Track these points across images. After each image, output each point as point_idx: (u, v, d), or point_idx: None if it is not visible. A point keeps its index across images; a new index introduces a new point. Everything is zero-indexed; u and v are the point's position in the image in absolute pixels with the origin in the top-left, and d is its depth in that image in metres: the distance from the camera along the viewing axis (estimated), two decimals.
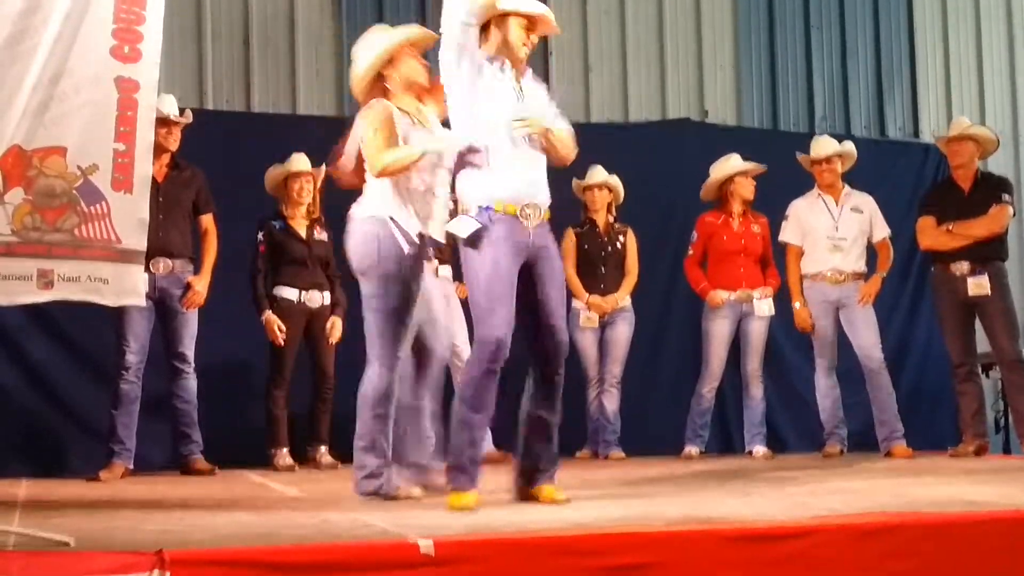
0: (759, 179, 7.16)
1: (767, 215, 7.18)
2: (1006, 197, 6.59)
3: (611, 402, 7.12)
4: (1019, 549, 3.28)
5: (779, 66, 8.87)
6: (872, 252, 7.05)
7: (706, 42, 8.75)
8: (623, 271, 7.18)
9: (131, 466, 6.00)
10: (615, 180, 7.21)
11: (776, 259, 7.17)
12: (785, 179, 7.24)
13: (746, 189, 7.05)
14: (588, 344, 7.15)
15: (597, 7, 8.55)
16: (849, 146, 7.15)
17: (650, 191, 7.69)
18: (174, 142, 6.19)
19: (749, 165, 7.07)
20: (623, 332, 7.13)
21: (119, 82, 4.53)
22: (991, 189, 6.64)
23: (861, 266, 6.95)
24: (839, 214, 6.96)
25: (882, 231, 6.99)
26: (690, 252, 7.19)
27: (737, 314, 7.04)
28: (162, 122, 6.01)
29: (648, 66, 8.61)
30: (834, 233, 6.93)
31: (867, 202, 7.03)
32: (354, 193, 6.76)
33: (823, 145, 7.09)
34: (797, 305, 6.95)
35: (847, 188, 7.04)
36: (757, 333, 7.05)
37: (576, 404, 7.23)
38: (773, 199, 7.17)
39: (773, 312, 7.07)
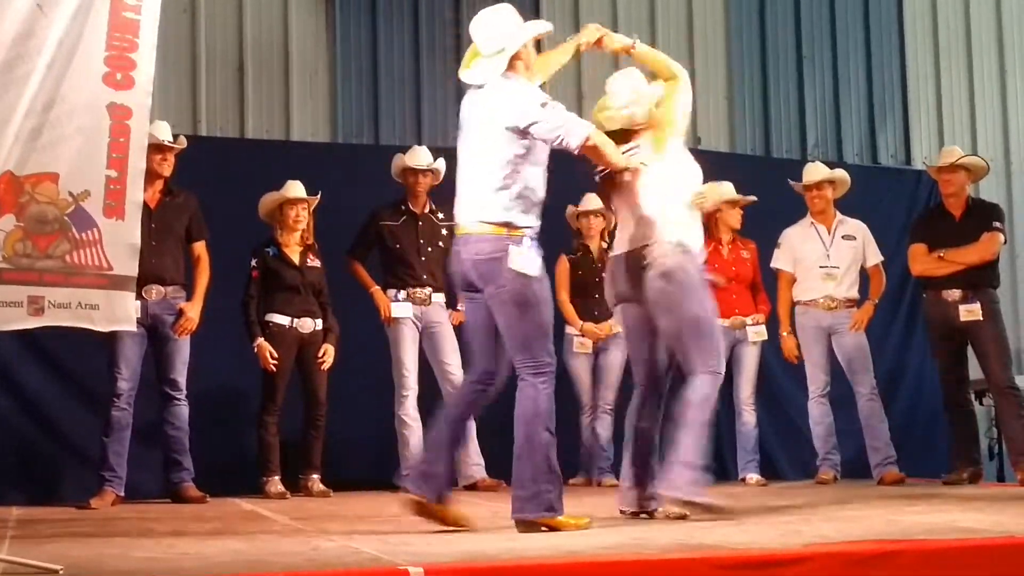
0: (752, 206, 7.17)
1: (759, 242, 7.19)
2: (997, 224, 6.61)
3: (604, 428, 7.10)
4: None
5: (772, 94, 8.92)
6: (865, 278, 7.06)
7: (699, 70, 8.78)
8: None
9: (122, 493, 5.97)
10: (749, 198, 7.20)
11: (766, 284, 7.17)
12: (777, 206, 7.26)
13: (733, 219, 7.07)
14: (581, 370, 7.14)
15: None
16: (841, 173, 7.18)
17: None
18: (168, 168, 6.20)
19: (735, 196, 7.08)
20: (616, 358, 7.11)
21: (111, 109, 4.54)
22: (982, 216, 6.66)
23: (854, 293, 6.96)
24: (831, 241, 6.98)
25: (875, 257, 7.01)
26: None
27: (730, 341, 7.03)
28: (156, 148, 6.04)
29: None
30: (826, 261, 6.94)
31: (859, 228, 7.05)
32: (347, 224, 6.82)
33: (815, 171, 7.11)
34: (784, 334, 6.96)
35: (839, 215, 7.06)
36: (750, 359, 7.05)
37: (569, 430, 7.23)
38: (765, 226, 7.19)
39: (765, 337, 7.07)
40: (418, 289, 6.74)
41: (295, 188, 6.58)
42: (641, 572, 3.03)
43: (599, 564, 3.07)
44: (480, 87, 4.72)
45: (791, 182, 7.16)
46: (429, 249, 6.81)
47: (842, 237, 6.99)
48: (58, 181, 4.39)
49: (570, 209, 7.24)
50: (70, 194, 4.40)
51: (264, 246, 6.59)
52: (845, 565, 3.16)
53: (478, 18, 4.73)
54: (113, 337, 5.63)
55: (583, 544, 3.51)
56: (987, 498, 5.24)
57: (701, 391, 4.55)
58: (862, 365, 6.85)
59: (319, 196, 6.62)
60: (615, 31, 8.44)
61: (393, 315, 6.68)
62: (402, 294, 6.73)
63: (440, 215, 6.89)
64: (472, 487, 6.57)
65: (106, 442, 5.97)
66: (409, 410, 6.66)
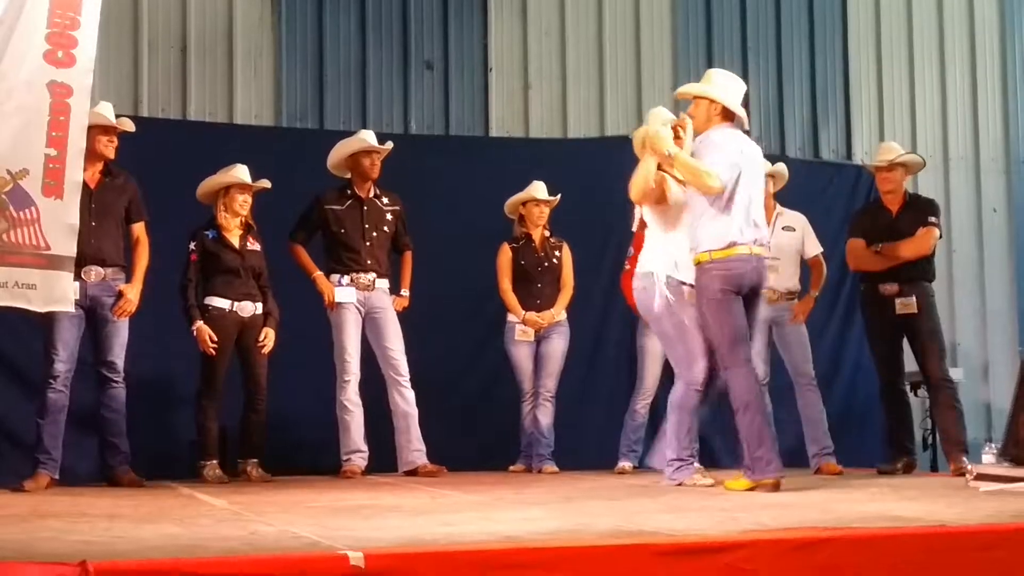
0: None
1: None
2: (933, 219, 6.71)
3: (545, 416, 7.13)
4: (943, 564, 3.33)
5: None
6: (805, 269, 7.14)
7: (645, 62, 8.83)
8: (559, 286, 7.21)
9: (57, 477, 5.89)
10: (555, 198, 7.23)
11: None
12: None
13: None
14: (523, 358, 7.16)
15: (538, 26, 8.60)
16: (781, 167, 7.24)
17: (588, 207, 7.73)
18: (113, 150, 6.12)
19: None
20: (558, 346, 7.15)
21: (52, 87, 4.49)
22: (919, 211, 6.76)
23: (794, 284, 7.03)
24: (771, 233, 7.04)
25: (815, 248, 7.09)
26: (627, 267, 7.21)
27: None
28: (103, 129, 5.97)
29: (587, 85, 8.68)
30: (767, 252, 6.99)
31: (799, 220, 7.11)
32: (288, 208, 6.78)
33: None
34: None
35: (779, 207, 7.13)
36: None
37: (510, 418, 7.26)
38: None
39: None
40: (362, 274, 6.71)
41: (245, 172, 6.52)
42: (578, 558, 3.04)
43: (536, 550, 3.08)
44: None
45: None
46: (374, 234, 6.78)
47: (782, 228, 7.05)
48: None
49: (514, 197, 7.24)
50: (8, 172, 4.35)
51: (203, 228, 6.52)
52: (781, 551, 3.20)
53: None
54: (50, 318, 5.55)
55: (521, 529, 3.52)
56: (920, 487, 5.32)
57: (674, 396, 5.56)
58: (801, 356, 6.93)
59: (269, 184, 6.57)
60: (563, 27, 8.59)
61: (337, 300, 6.65)
62: (346, 279, 6.70)
63: (384, 200, 6.87)
64: (413, 472, 6.57)
65: (41, 424, 5.88)
66: (351, 395, 6.64)
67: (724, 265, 5.31)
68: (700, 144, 5.47)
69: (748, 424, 5.26)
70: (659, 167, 5.54)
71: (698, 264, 5.36)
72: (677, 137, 5.49)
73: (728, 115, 5.49)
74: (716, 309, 5.31)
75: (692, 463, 5.61)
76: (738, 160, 5.37)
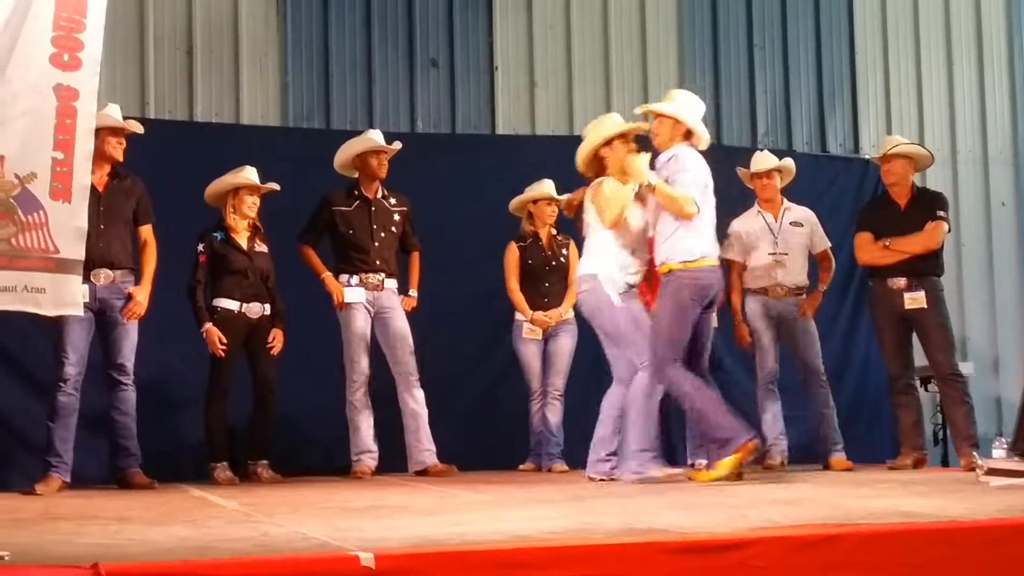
0: None
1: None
2: (941, 213, 6.69)
3: (554, 414, 7.13)
4: (954, 560, 3.32)
5: (723, 83, 8.97)
6: (814, 264, 7.13)
7: (651, 58, 8.83)
8: (566, 284, 7.21)
9: (68, 480, 5.90)
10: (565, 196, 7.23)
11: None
12: (728, 193, 7.26)
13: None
14: (531, 356, 7.16)
15: (543, 22, 8.60)
16: (788, 162, 7.23)
17: None
18: (121, 152, 6.14)
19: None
20: (566, 344, 7.14)
21: (58, 90, 4.48)
22: (927, 205, 6.74)
23: (803, 280, 7.02)
24: (779, 229, 7.04)
25: (823, 243, 7.08)
26: None
27: None
28: (112, 131, 6.00)
29: (593, 81, 8.67)
30: (775, 248, 7.00)
31: (807, 216, 7.11)
32: (296, 209, 6.78)
33: (763, 160, 7.16)
34: (737, 321, 7.02)
35: (786, 202, 7.12)
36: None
37: (519, 417, 7.26)
38: (717, 213, 7.21)
39: (716, 325, 7.11)
40: (371, 275, 6.72)
41: (253, 174, 6.53)
42: (588, 556, 3.04)
43: (546, 549, 3.08)
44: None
45: (739, 170, 7.20)
46: (382, 235, 6.79)
47: (790, 224, 7.05)
48: (3, 163, 4.34)
49: (521, 196, 7.23)
50: (16, 176, 4.34)
51: (211, 230, 6.54)
52: (790, 549, 3.19)
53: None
54: (60, 321, 5.57)
55: (531, 529, 3.52)
56: (931, 483, 5.31)
57: (635, 387, 5.67)
58: (811, 352, 6.92)
59: (278, 187, 6.58)
60: (568, 24, 8.58)
61: (346, 300, 6.65)
62: (355, 279, 6.71)
63: (392, 200, 6.87)
64: (423, 472, 6.58)
65: (52, 427, 5.90)
66: (360, 396, 6.65)
67: (696, 275, 5.65)
68: (671, 163, 5.69)
69: (706, 408, 5.59)
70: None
71: (669, 272, 5.65)
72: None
73: (688, 135, 5.79)
74: (679, 315, 5.63)
75: (655, 455, 5.72)
76: (707, 180, 5.74)
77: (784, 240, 7.01)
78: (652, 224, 5.80)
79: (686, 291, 5.65)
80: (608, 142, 5.85)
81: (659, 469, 5.62)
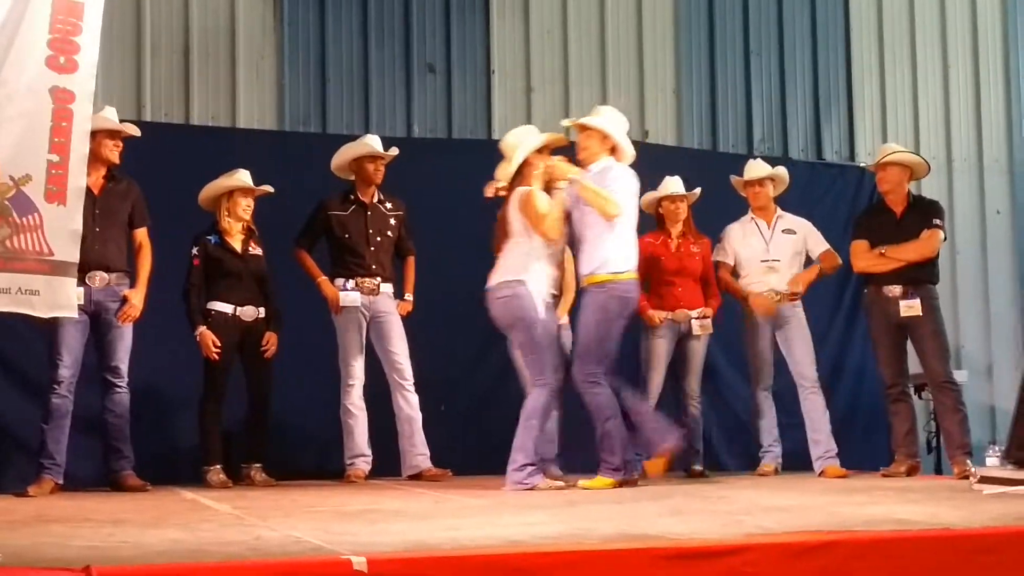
0: (698, 201, 7.22)
1: (706, 235, 7.23)
2: (937, 221, 6.69)
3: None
4: (947, 568, 3.33)
5: (719, 89, 8.98)
6: (807, 265, 7.13)
7: (647, 64, 8.84)
8: (561, 290, 7.18)
9: (61, 482, 5.90)
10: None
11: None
12: (724, 200, 7.32)
13: (673, 213, 7.11)
14: None
15: (540, 27, 8.60)
16: (781, 170, 7.23)
17: None
18: (117, 154, 6.14)
19: (677, 191, 7.12)
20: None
21: (54, 92, 4.49)
22: (923, 213, 6.74)
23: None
24: (771, 236, 7.05)
25: (821, 245, 7.06)
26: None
27: (675, 334, 7.08)
28: (109, 134, 6.00)
29: (590, 87, 8.68)
30: (767, 255, 7.00)
31: (801, 224, 7.11)
32: (292, 212, 6.77)
33: (755, 168, 7.17)
34: (750, 297, 6.97)
35: (779, 211, 7.12)
36: (695, 353, 7.09)
37: (514, 422, 7.24)
38: (712, 220, 7.24)
39: (711, 331, 7.12)
40: (367, 279, 6.71)
41: (247, 177, 6.53)
42: (582, 562, 3.04)
43: (540, 554, 3.08)
44: None
45: (732, 178, 7.21)
46: (378, 239, 6.79)
47: (782, 231, 7.06)
48: None
49: None
50: (11, 178, 4.35)
51: (205, 233, 6.53)
52: (784, 555, 3.19)
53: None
54: (54, 323, 5.56)
55: (525, 534, 3.52)
56: (924, 490, 5.31)
57: (532, 403, 5.75)
58: (805, 357, 6.92)
59: (272, 189, 6.58)
60: (565, 28, 8.59)
61: (341, 304, 6.65)
62: (350, 283, 6.70)
63: (388, 205, 6.87)
64: (417, 476, 6.57)
65: (45, 429, 5.89)
66: (355, 399, 6.64)
67: (626, 288, 5.80)
68: (602, 175, 5.80)
69: (615, 430, 5.73)
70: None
71: (600, 283, 5.73)
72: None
73: (613, 150, 5.90)
74: (611, 327, 5.77)
75: (540, 467, 5.81)
76: (637, 192, 5.91)
77: (776, 247, 7.02)
78: (577, 235, 5.85)
79: (615, 303, 5.75)
80: (539, 150, 5.91)
81: (544, 481, 5.67)
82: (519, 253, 5.82)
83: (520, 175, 5.88)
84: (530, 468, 5.66)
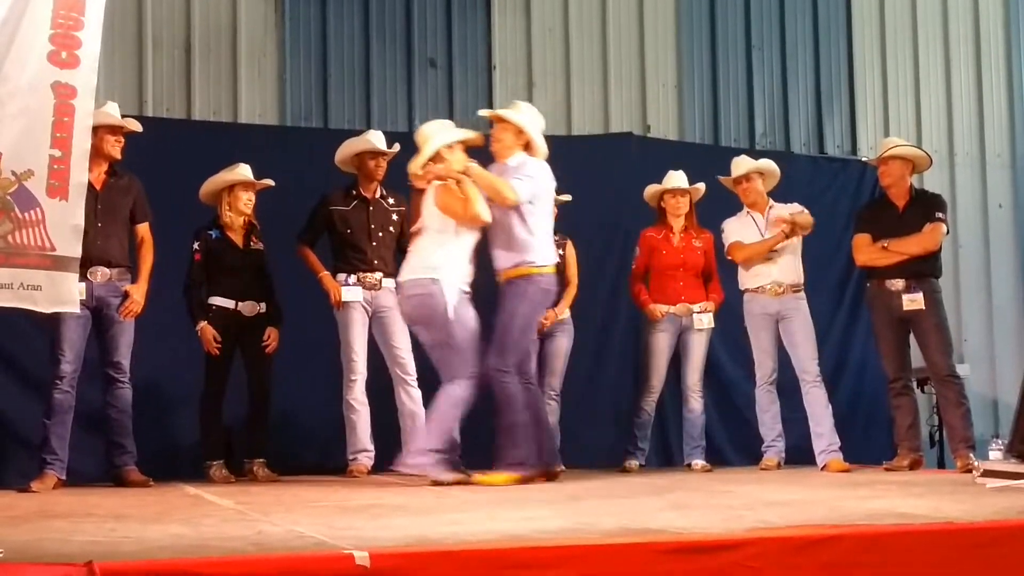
0: (701, 195, 7.22)
1: (708, 228, 7.23)
2: (940, 215, 6.68)
3: (550, 414, 7.10)
4: (950, 562, 3.33)
5: (721, 84, 8.98)
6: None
7: (649, 59, 8.83)
8: (563, 283, 7.19)
9: (64, 477, 5.90)
10: (563, 197, 7.22)
11: (721, 274, 7.21)
12: (725, 194, 7.31)
13: (675, 208, 7.10)
14: None
15: (541, 24, 8.60)
16: (767, 163, 7.20)
17: (592, 204, 7.72)
18: (119, 150, 6.13)
19: (678, 185, 7.11)
20: (562, 344, 7.13)
21: (56, 87, 4.48)
22: (925, 207, 6.73)
23: (798, 276, 7.00)
24: (766, 227, 7.03)
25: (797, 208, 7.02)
26: (633, 267, 7.24)
27: (677, 328, 7.08)
28: (110, 129, 6.00)
29: (591, 82, 8.68)
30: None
31: (792, 209, 7.06)
32: (293, 208, 6.76)
33: (740, 164, 7.15)
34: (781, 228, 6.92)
35: (772, 202, 7.10)
36: (697, 346, 7.10)
37: None
38: (714, 213, 7.23)
39: (712, 325, 7.12)
40: (369, 274, 6.71)
41: (248, 171, 6.53)
42: (584, 557, 3.04)
43: (542, 549, 3.08)
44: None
45: (719, 178, 7.18)
46: (380, 234, 6.79)
47: (775, 221, 7.04)
48: (0, 160, 4.34)
49: None
50: (13, 173, 4.34)
51: (206, 228, 6.53)
52: (787, 549, 3.19)
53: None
54: (56, 319, 5.57)
55: (527, 528, 3.52)
56: (927, 484, 5.31)
57: (455, 394, 5.61)
58: (808, 351, 6.91)
59: (272, 182, 6.58)
60: (566, 24, 8.59)
61: (343, 299, 6.65)
62: (352, 278, 6.70)
63: (390, 200, 6.86)
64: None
65: (48, 425, 5.90)
66: (357, 395, 6.64)
67: (549, 281, 5.82)
68: (516, 168, 5.78)
69: (520, 423, 5.68)
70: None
71: (526, 275, 5.71)
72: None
73: (527, 146, 5.87)
74: (533, 320, 5.84)
75: (448, 458, 5.68)
76: (549, 192, 5.90)
77: (773, 232, 7.00)
78: (496, 230, 5.77)
79: (540, 296, 5.78)
80: (451, 145, 5.82)
81: (449, 473, 5.59)
82: (432, 248, 5.73)
83: (432, 173, 5.77)
84: (440, 456, 5.58)
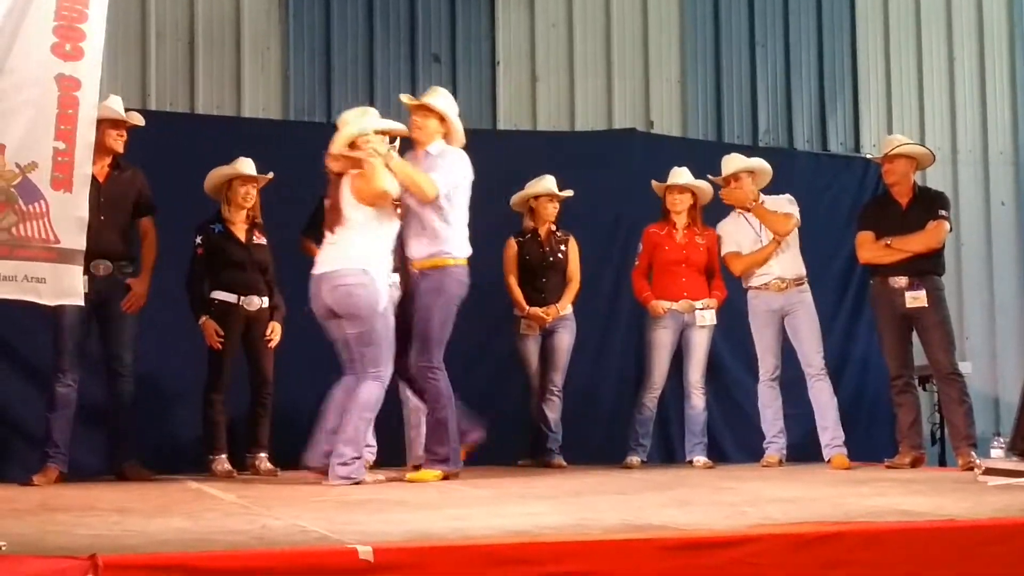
0: (704, 193, 7.21)
1: (712, 225, 7.22)
2: (943, 213, 6.68)
3: (552, 410, 7.12)
4: (952, 559, 3.33)
5: (724, 80, 8.96)
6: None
7: (652, 55, 8.82)
8: (565, 280, 7.20)
9: (66, 471, 5.90)
10: (566, 193, 7.22)
11: (724, 271, 7.20)
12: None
13: (674, 204, 7.10)
14: (529, 352, 7.15)
15: (545, 19, 8.59)
16: (761, 163, 7.17)
17: (595, 199, 7.72)
18: (122, 144, 6.13)
19: (676, 182, 7.10)
20: (564, 340, 7.13)
21: (60, 80, 4.49)
22: (929, 204, 6.73)
23: (801, 269, 7.00)
24: (759, 224, 7.02)
25: (785, 208, 7.00)
26: (636, 263, 7.23)
27: (679, 324, 7.08)
28: (113, 123, 5.99)
29: (595, 77, 8.66)
30: (760, 243, 6.99)
31: (778, 203, 7.05)
32: (296, 202, 6.75)
33: (730, 163, 7.10)
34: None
35: (762, 196, 7.07)
36: (699, 343, 7.09)
37: (518, 412, 7.26)
38: (717, 210, 7.22)
39: (715, 322, 7.12)
40: None
41: (247, 165, 6.52)
42: (586, 552, 3.04)
43: (544, 544, 3.08)
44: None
45: (710, 177, 7.16)
46: None
47: None
48: (4, 152, 4.34)
49: (522, 192, 7.23)
50: (17, 165, 4.35)
51: (209, 223, 6.53)
52: (789, 546, 3.19)
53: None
54: (59, 312, 5.56)
55: (529, 524, 3.52)
56: (929, 482, 5.31)
57: (368, 394, 5.48)
58: (812, 344, 6.90)
59: (271, 176, 6.57)
60: (570, 19, 8.58)
61: None
62: None
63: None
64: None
65: (50, 418, 5.90)
66: None
67: (464, 273, 5.79)
68: (440, 158, 5.75)
69: (449, 419, 5.71)
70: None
71: (441, 267, 5.71)
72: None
73: (446, 135, 5.85)
74: (450, 313, 5.75)
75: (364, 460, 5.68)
76: (468, 181, 5.82)
77: (768, 232, 7.00)
78: (413, 220, 5.73)
79: (456, 288, 5.75)
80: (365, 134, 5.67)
81: (371, 475, 5.65)
82: (358, 239, 5.58)
83: (350, 158, 5.64)
84: (358, 462, 5.46)
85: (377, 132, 5.66)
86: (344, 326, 5.57)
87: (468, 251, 5.83)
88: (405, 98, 6.02)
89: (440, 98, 5.92)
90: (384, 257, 5.64)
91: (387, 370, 5.55)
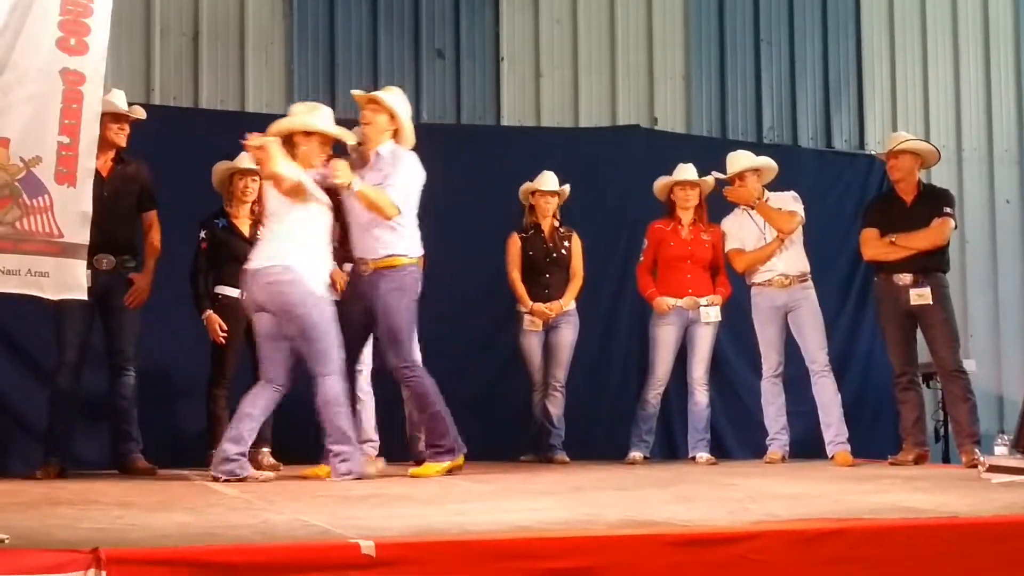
0: (709, 189, 7.20)
1: (716, 222, 7.22)
2: (948, 210, 6.67)
3: (555, 406, 7.12)
4: (955, 556, 3.32)
5: (728, 77, 8.95)
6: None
7: (657, 51, 8.81)
8: (568, 275, 7.19)
9: (68, 464, 5.91)
10: (566, 189, 7.21)
11: (729, 268, 7.19)
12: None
13: (684, 200, 7.08)
14: (532, 348, 7.16)
15: (549, 15, 8.58)
16: (767, 161, 7.13)
17: (599, 196, 7.72)
18: (124, 138, 6.13)
19: (688, 177, 7.09)
20: (567, 336, 7.14)
21: (64, 74, 4.49)
22: (933, 202, 6.72)
23: (804, 266, 6.99)
24: (764, 221, 7.01)
25: (788, 205, 7.00)
26: (641, 259, 7.23)
27: (684, 320, 7.07)
28: (114, 117, 5.99)
29: (599, 74, 8.66)
30: (764, 240, 6.98)
31: (786, 199, 7.04)
32: None
33: (736, 161, 7.09)
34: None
35: (767, 193, 7.07)
36: (703, 340, 7.08)
37: (521, 408, 7.26)
38: (722, 207, 7.22)
39: (719, 319, 7.11)
40: None
41: (247, 159, 6.52)
42: (588, 548, 3.04)
43: (546, 540, 3.08)
44: None
45: (715, 174, 7.13)
46: None
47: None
48: (9, 146, 4.35)
49: (525, 186, 7.24)
50: (21, 160, 4.35)
51: (213, 217, 6.53)
52: (792, 543, 3.19)
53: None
54: (62, 306, 5.56)
55: (531, 519, 3.52)
56: (933, 479, 5.31)
57: (330, 391, 5.42)
58: (816, 340, 6.89)
59: None
60: (574, 15, 8.57)
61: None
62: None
63: None
64: (423, 461, 6.56)
65: (53, 412, 5.90)
66: (363, 384, 6.62)
67: (419, 272, 5.78)
68: (393, 159, 5.71)
69: (442, 410, 5.73)
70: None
71: (401, 266, 5.67)
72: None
73: (396, 134, 5.80)
74: (414, 310, 5.74)
75: (362, 452, 5.69)
76: (421, 182, 5.78)
77: (772, 230, 6.99)
78: (363, 219, 5.66)
79: (414, 285, 5.74)
80: (309, 133, 5.60)
81: (371, 465, 5.72)
82: (285, 234, 5.47)
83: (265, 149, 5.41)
84: (356, 454, 5.51)
85: (310, 133, 5.57)
86: (284, 327, 5.48)
87: (420, 251, 5.81)
88: (356, 93, 5.96)
89: (391, 95, 5.86)
90: (314, 249, 5.53)
91: (338, 362, 5.48)
